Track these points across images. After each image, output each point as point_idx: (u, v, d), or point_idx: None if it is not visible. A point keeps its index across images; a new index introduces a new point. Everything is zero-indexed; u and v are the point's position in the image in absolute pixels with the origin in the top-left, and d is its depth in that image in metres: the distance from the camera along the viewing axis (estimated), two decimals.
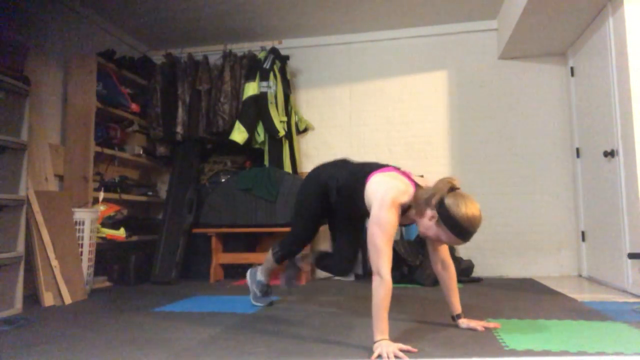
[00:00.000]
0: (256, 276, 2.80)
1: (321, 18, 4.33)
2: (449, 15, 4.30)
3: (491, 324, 2.16)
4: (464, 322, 2.16)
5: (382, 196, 1.89)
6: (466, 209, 1.81)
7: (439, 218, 1.84)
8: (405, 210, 1.96)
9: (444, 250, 2.17)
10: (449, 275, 2.17)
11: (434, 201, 1.86)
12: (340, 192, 2.23)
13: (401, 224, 2.05)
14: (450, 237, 1.86)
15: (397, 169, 2.13)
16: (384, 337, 1.78)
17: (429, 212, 1.88)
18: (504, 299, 2.96)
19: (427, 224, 1.90)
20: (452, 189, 1.87)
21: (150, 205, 4.77)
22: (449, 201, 1.82)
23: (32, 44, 3.47)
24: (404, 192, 1.93)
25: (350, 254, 2.44)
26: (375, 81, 4.64)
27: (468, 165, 4.37)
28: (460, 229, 1.82)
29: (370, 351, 1.76)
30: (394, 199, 1.88)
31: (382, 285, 1.81)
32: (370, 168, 2.12)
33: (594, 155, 3.63)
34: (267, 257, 2.67)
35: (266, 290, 2.82)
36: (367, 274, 4.01)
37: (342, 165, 2.34)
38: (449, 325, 2.20)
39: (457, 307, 2.19)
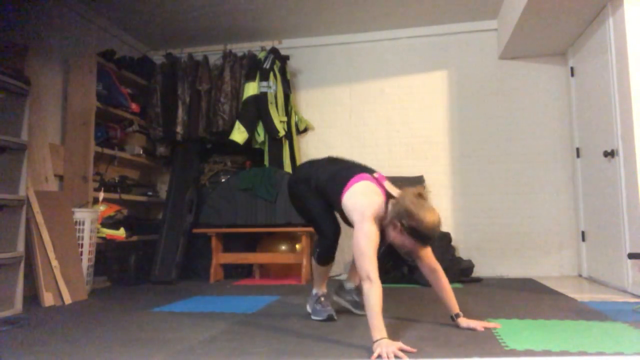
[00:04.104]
0: (311, 293, 2.57)
1: (321, 18, 4.33)
2: (449, 15, 4.30)
3: (491, 324, 2.16)
4: (463, 322, 2.16)
5: (362, 212, 2.03)
6: (424, 216, 1.94)
7: (401, 227, 1.98)
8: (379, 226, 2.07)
9: (428, 256, 2.20)
10: (438, 277, 2.20)
11: (396, 212, 1.99)
12: (317, 189, 2.33)
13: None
14: (412, 243, 2.01)
15: (372, 176, 2.21)
16: (382, 335, 1.79)
17: (394, 222, 2.00)
18: (504, 299, 2.96)
19: (393, 233, 2.04)
20: (412, 198, 1.99)
21: (150, 205, 4.77)
22: (408, 211, 1.95)
23: (32, 44, 3.46)
24: (380, 207, 2.07)
25: (333, 231, 2.39)
26: (375, 81, 4.64)
27: (468, 165, 4.37)
28: (420, 235, 1.97)
29: (370, 351, 1.76)
30: (372, 215, 2.03)
31: (373, 288, 1.87)
32: (347, 177, 2.19)
33: (594, 155, 3.63)
34: (312, 266, 2.54)
35: (322, 301, 2.48)
36: None
37: (322, 165, 2.40)
38: (449, 325, 2.20)
39: (455, 307, 2.19)
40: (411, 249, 2.07)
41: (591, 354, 1.72)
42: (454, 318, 2.19)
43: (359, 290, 2.56)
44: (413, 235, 1.97)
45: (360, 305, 2.51)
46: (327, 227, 2.36)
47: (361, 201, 2.07)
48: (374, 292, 1.86)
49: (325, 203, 2.35)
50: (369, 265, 1.91)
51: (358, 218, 2.02)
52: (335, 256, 2.44)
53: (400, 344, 1.77)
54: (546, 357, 1.70)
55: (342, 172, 2.25)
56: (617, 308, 2.60)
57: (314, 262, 2.46)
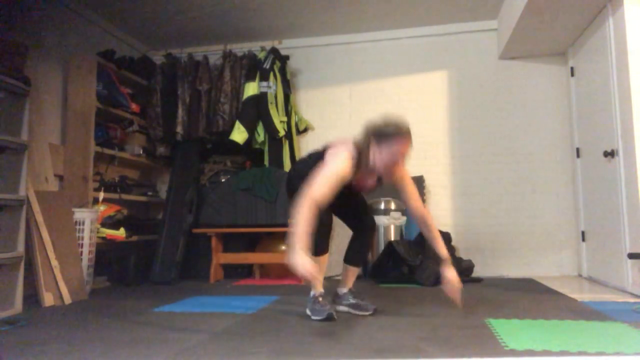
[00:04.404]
0: (309, 296, 2.55)
1: (321, 18, 4.33)
2: (449, 15, 4.30)
3: (458, 298, 2.36)
4: (447, 271, 2.37)
5: (336, 153, 2.24)
6: (382, 116, 2.23)
7: (377, 142, 2.18)
8: (359, 164, 2.23)
9: (419, 207, 2.43)
10: (429, 228, 2.43)
11: (365, 138, 2.22)
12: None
13: (376, 178, 2.37)
14: (397, 143, 2.17)
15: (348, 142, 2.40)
16: (300, 246, 1.95)
17: (370, 145, 2.21)
18: (504, 299, 2.96)
19: (378, 155, 2.20)
20: (366, 125, 2.27)
21: (150, 205, 4.77)
22: (370, 126, 2.21)
23: (32, 44, 3.46)
24: (354, 151, 2.25)
25: (327, 218, 2.48)
26: (375, 81, 4.64)
27: (468, 165, 4.37)
28: (390, 131, 2.18)
29: (372, 351, 1.76)
30: (345, 154, 2.21)
31: (307, 200, 2.03)
32: (328, 147, 2.39)
33: (594, 155, 3.63)
34: None
35: (320, 301, 2.46)
36: (367, 275, 4.01)
37: (306, 159, 2.58)
38: (449, 325, 2.20)
39: (443, 254, 2.40)
40: (399, 153, 2.20)
41: (591, 354, 1.72)
42: (441, 264, 2.39)
43: (352, 292, 2.61)
44: (387, 136, 2.17)
45: (359, 306, 2.54)
46: (321, 214, 2.37)
47: (335, 150, 2.27)
48: (306, 206, 2.02)
49: None
50: (316, 187, 2.08)
51: (330, 158, 2.21)
52: (330, 249, 2.49)
53: (313, 269, 1.95)
54: (546, 357, 1.70)
55: (321, 150, 2.45)
56: (617, 308, 2.60)
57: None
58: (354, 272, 2.64)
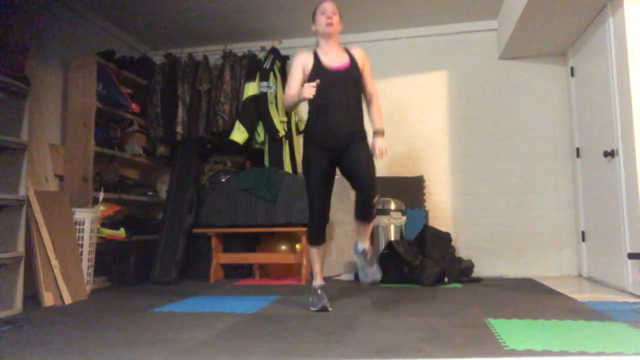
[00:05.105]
0: (312, 284, 2.79)
1: None
2: (449, 15, 4.30)
3: (378, 149, 2.65)
4: (377, 141, 2.67)
5: None
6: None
7: (313, 22, 2.75)
8: (317, 47, 2.75)
9: (372, 90, 2.86)
10: (372, 103, 2.86)
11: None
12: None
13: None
14: (318, 8, 2.70)
15: None
16: (299, 92, 2.65)
17: (313, 27, 2.75)
18: (504, 299, 2.96)
19: (318, 26, 2.71)
20: None
21: (150, 205, 4.76)
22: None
23: (32, 44, 3.46)
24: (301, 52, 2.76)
25: (320, 205, 2.68)
26: (375, 81, 4.60)
27: (468, 165, 4.37)
28: (317, 6, 2.73)
29: (372, 351, 1.76)
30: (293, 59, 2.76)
31: (285, 93, 2.73)
32: None
33: (594, 155, 3.63)
34: (309, 253, 2.81)
35: (319, 293, 2.71)
36: None
37: None
38: (449, 325, 2.20)
39: (377, 126, 2.76)
40: (322, 12, 2.68)
41: (591, 354, 1.72)
42: (374, 134, 2.70)
43: (365, 254, 2.70)
44: (313, 14, 2.73)
45: (365, 272, 2.68)
46: (315, 199, 2.64)
47: None
48: (286, 93, 2.72)
49: (325, 177, 2.66)
50: (287, 87, 2.74)
51: None
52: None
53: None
54: (546, 357, 1.70)
55: None
56: (617, 308, 2.60)
57: (308, 246, 2.75)
58: (362, 227, 2.71)
